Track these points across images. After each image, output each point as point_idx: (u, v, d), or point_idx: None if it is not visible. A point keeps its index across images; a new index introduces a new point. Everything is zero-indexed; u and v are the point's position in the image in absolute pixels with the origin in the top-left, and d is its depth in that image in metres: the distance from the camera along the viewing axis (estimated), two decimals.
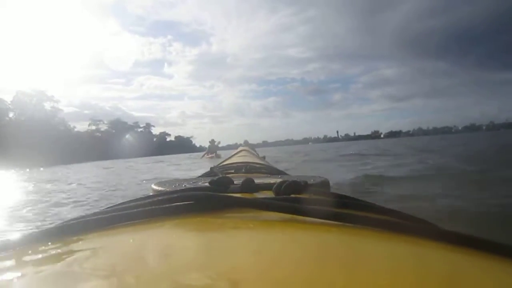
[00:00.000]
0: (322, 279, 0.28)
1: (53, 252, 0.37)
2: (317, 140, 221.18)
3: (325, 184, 0.97)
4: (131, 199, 0.68)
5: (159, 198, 0.57)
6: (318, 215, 0.47)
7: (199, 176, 1.47)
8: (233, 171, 1.59)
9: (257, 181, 0.75)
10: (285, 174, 1.59)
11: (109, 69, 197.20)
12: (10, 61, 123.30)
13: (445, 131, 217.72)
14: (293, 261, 0.33)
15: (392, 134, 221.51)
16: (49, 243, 0.40)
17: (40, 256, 0.36)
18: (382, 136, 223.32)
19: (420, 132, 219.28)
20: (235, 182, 0.73)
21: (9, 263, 0.35)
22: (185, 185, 0.86)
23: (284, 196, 0.59)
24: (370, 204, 0.63)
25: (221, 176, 0.76)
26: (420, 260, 0.36)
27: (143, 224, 0.47)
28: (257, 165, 1.81)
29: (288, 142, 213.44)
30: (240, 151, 3.62)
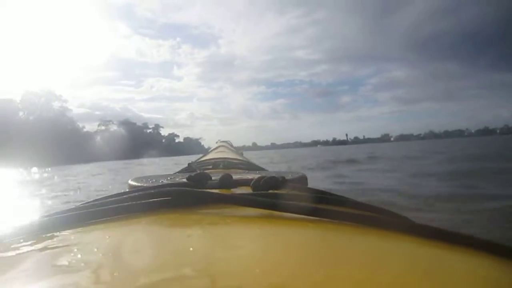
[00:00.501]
0: (300, 273, 0.29)
1: (28, 248, 0.37)
2: (326, 143, 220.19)
3: (303, 179, 0.97)
4: (108, 195, 0.67)
5: (136, 193, 0.57)
6: (296, 211, 0.47)
7: (177, 172, 1.46)
8: (211, 167, 1.57)
9: (235, 176, 0.75)
10: (264, 170, 1.55)
11: (120, 71, 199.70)
12: (22, 63, 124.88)
13: (458, 134, 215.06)
14: (271, 256, 0.34)
15: (403, 138, 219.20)
16: (22, 240, 0.40)
17: (12, 253, 0.36)
18: (392, 139, 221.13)
19: (432, 136, 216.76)
20: (213, 178, 0.72)
21: None
22: (162, 181, 0.86)
23: (262, 192, 0.59)
24: (347, 199, 0.64)
25: (199, 171, 0.76)
26: (395, 254, 0.37)
27: (119, 220, 0.47)
28: (235, 161, 1.82)
29: (296, 145, 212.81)
30: (218, 146, 3.59)
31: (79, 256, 0.33)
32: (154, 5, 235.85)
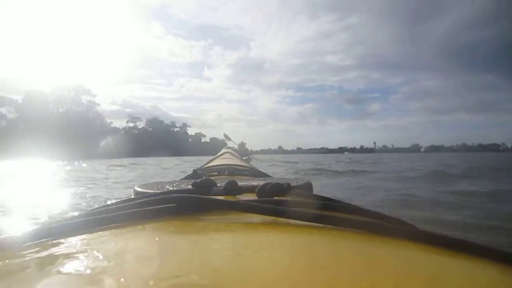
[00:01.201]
0: (304, 281, 0.28)
1: (33, 255, 0.37)
2: (353, 150, 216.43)
3: (308, 186, 0.98)
4: (114, 201, 0.68)
5: (142, 200, 0.57)
6: (301, 217, 0.47)
7: (182, 179, 1.47)
8: (216, 173, 1.59)
9: (240, 183, 0.75)
10: (269, 176, 1.56)
11: (152, 69, 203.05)
12: (58, 59, 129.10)
13: (492, 148, 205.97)
14: (276, 263, 0.33)
15: (434, 149, 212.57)
16: (28, 247, 0.40)
17: (19, 260, 0.36)
18: (422, 150, 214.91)
19: (464, 148, 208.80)
20: (218, 185, 0.73)
21: None
22: (168, 188, 0.86)
23: (267, 199, 0.59)
24: (352, 206, 0.64)
25: (204, 178, 0.77)
26: (402, 262, 0.37)
27: (125, 226, 0.47)
28: (240, 167, 1.84)
29: (323, 151, 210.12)
30: (224, 153, 3.56)
31: (85, 262, 0.33)
32: (189, 6, 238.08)
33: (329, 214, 0.49)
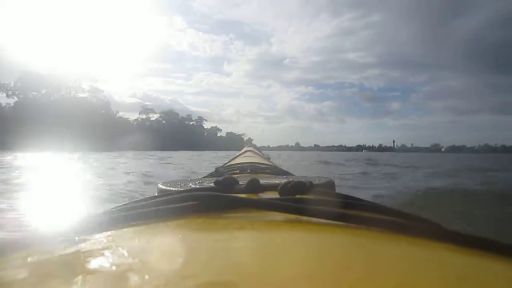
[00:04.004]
0: (328, 280, 0.28)
1: (61, 252, 0.38)
2: (371, 149, 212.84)
3: (330, 184, 0.97)
4: (137, 199, 0.69)
5: (165, 198, 0.58)
6: (323, 216, 0.47)
7: (205, 177, 1.48)
8: (238, 171, 1.55)
9: (262, 181, 0.75)
10: (290, 174, 1.52)
11: (172, 63, 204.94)
12: (80, 55, 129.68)
13: None
14: (299, 261, 0.33)
15: (455, 149, 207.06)
16: (54, 244, 0.41)
17: (47, 255, 0.37)
18: (443, 150, 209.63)
19: (487, 149, 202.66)
20: (240, 183, 0.73)
21: (17, 262, 0.36)
22: (190, 185, 0.88)
23: (289, 197, 0.59)
24: (375, 204, 0.63)
25: (226, 176, 0.77)
26: (427, 261, 0.36)
27: (148, 224, 0.47)
28: (262, 166, 1.79)
29: (341, 148, 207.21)
30: (245, 151, 3.43)
31: (110, 259, 0.34)
32: (211, 0, 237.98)
33: (352, 212, 0.49)
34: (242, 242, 0.41)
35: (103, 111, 60.24)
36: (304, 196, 0.60)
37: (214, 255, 0.34)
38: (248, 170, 1.56)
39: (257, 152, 3.64)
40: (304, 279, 0.28)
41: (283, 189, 0.62)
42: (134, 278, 0.28)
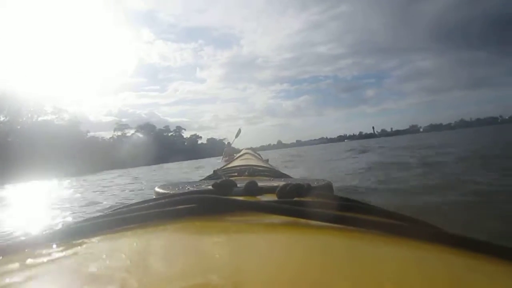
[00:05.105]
0: (326, 282, 0.28)
1: (58, 255, 0.38)
2: (352, 137, 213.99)
3: (328, 187, 0.98)
4: (135, 201, 0.69)
5: (163, 201, 0.58)
6: (322, 218, 0.47)
7: (203, 179, 1.48)
8: (236, 174, 1.57)
9: (260, 184, 0.75)
10: (289, 177, 1.53)
11: (145, 76, 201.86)
12: (47, 75, 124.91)
13: (490, 121, 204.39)
14: (297, 264, 0.33)
15: (433, 128, 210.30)
16: (54, 246, 0.41)
17: (45, 259, 0.37)
18: (421, 130, 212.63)
19: (463, 124, 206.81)
20: (238, 185, 0.73)
21: (15, 265, 0.35)
22: (188, 188, 0.87)
23: (287, 199, 0.59)
24: (374, 207, 0.63)
25: (224, 179, 0.79)
26: (426, 264, 0.36)
27: (146, 227, 0.47)
28: (260, 168, 1.81)
29: (323, 141, 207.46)
30: (243, 154, 3.56)
31: (107, 262, 0.33)
32: (176, 9, 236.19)
33: (350, 215, 0.49)
34: (240, 245, 0.40)
35: (72, 133, 55.99)
36: (302, 199, 0.59)
37: (213, 258, 0.34)
38: (246, 173, 1.56)
39: (256, 154, 3.60)
40: (303, 282, 0.28)
41: (281, 191, 0.62)
42: (131, 281, 0.28)
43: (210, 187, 0.74)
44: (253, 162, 2.46)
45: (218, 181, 0.72)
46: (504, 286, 0.32)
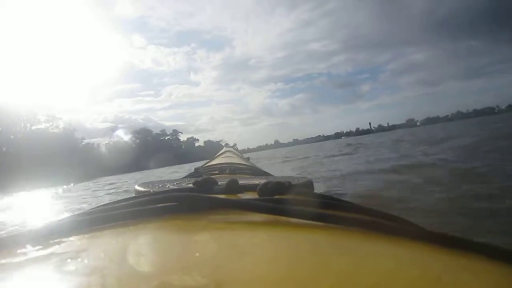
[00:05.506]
0: (306, 279, 0.28)
1: (35, 254, 0.37)
2: (349, 134, 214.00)
3: (309, 184, 0.98)
4: (114, 200, 0.68)
5: (143, 199, 0.57)
6: (302, 216, 0.47)
7: (184, 177, 1.46)
8: (217, 172, 1.56)
9: (241, 182, 0.75)
10: (269, 175, 1.56)
11: (139, 82, 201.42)
12: (44, 84, 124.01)
13: (487, 112, 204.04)
14: (279, 262, 0.33)
15: (430, 121, 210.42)
16: (29, 245, 0.40)
17: (21, 258, 0.36)
18: (418, 123, 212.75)
19: (460, 116, 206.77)
20: (219, 183, 0.73)
21: None
22: (169, 186, 0.87)
23: (268, 197, 0.59)
24: (353, 204, 0.64)
25: (205, 177, 0.76)
26: (403, 261, 0.37)
27: (126, 225, 0.47)
28: (242, 166, 1.82)
29: (320, 138, 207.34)
30: (224, 152, 3.54)
31: (86, 261, 0.33)
32: (166, 14, 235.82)
33: (330, 212, 0.49)
34: (221, 243, 0.40)
35: (66, 140, 55.23)
36: (283, 197, 0.60)
37: (193, 256, 0.34)
38: (227, 171, 1.56)
39: (236, 152, 3.62)
40: (283, 279, 0.28)
41: (262, 189, 0.62)
42: (110, 280, 0.28)
43: (191, 185, 0.74)
44: (234, 160, 2.44)
45: (199, 179, 0.72)
46: (486, 283, 0.33)
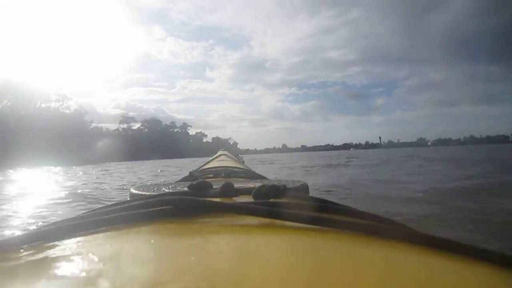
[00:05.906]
0: (301, 283, 0.28)
1: (28, 258, 0.37)
2: (358, 146, 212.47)
3: (304, 188, 0.98)
4: (109, 204, 0.68)
5: (137, 202, 0.57)
6: (297, 219, 0.47)
7: (178, 181, 1.48)
8: (212, 175, 1.55)
9: (236, 185, 0.75)
10: (265, 178, 1.54)
11: (154, 72, 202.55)
12: (61, 66, 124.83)
13: (501, 140, 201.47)
14: (273, 265, 0.33)
15: (441, 142, 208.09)
16: (23, 249, 0.40)
17: (15, 262, 0.36)
18: (429, 143, 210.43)
19: (473, 141, 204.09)
20: (214, 187, 0.73)
21: None
22: (164, 190, 0.87)
23: (263, 201, 0.59)
24: (348, 208, 0.64)
25: (200, 180, 0.76)
26: (397, 264, 0.37)
27: (120, 229, 0.46)
28: (237, 170, 1.82)
29: (328, 148, 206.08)
30: (220, 155, 3.53)
31: (80, 265, 0.33)
32: (188, 8, 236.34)
33: (326, 216, 0.49)
34: (216, 246, 0.40)
35: (75, 121, 55.45)
36: (278, 200, 0.60)
37: (188, 260, 0.34)
38: (222, 174, 1.54)
39: (231, 156, 3.60)
40: (279, 283, 0.28)
41: (257, 193, 0.62)
42: (105, 284, 0.27)
43: (186, 188, 0.73)
44: (229, 163, 2.46)
45: (194, 182, 0.71)
46: (475, 285, 0.33)
